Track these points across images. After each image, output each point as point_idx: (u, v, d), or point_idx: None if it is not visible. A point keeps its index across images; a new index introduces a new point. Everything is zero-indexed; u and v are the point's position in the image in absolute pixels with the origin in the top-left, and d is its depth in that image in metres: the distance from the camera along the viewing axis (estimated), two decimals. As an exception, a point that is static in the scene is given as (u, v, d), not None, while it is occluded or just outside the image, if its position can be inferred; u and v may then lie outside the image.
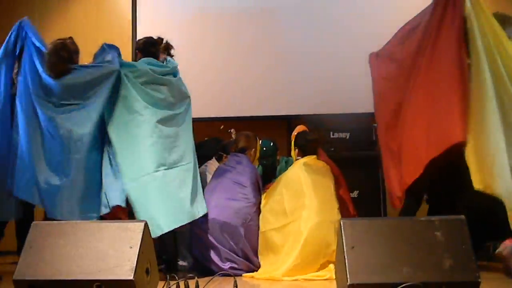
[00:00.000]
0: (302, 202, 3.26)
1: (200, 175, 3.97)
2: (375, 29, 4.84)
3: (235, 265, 3.22)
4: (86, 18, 5.52)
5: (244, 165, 3.63)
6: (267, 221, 3.35)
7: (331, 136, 4.62)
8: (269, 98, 5.13)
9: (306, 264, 3.05)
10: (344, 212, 3.48)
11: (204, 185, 3.49)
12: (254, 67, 5.19)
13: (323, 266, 3.06)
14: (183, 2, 5.43)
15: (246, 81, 5.18)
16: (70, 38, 3.44)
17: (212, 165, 4.00)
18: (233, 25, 5.30)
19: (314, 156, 3.61)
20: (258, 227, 3.37)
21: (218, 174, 3.65)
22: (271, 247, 3.26)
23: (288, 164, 4.02)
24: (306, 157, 3.59)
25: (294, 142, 3.71)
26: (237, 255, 3.26)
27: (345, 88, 4.74)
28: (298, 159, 3.65)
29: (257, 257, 3.31)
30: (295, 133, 3.82)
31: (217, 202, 3.37)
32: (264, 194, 3.60)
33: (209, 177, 3.78)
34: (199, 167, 4.09)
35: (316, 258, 3.06)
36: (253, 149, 3.76)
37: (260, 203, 3.50)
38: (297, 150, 3.66)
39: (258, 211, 3.45)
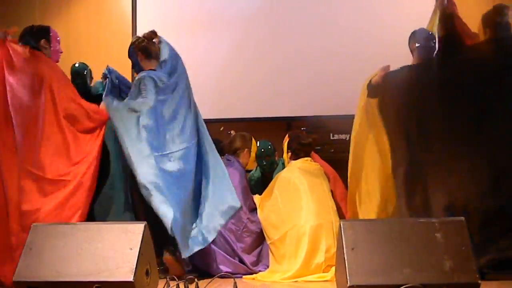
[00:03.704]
0: (299, 205, 3.26)
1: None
2: (375, 31, 4.86)
3: (232, 269, 3.21)
4: (86, 18, 5.51)
5: (234, 168, 3.61)
6: (268, 234, 3.37)
7: (331, 138, 4.62)
8: (269, 99, 5.12)
9: (308, 270, 3.06)
10: (342, 213, 3.48)
11: None
12: (254, 69, 5.18)
13: (325, 271, 3.06)
14: (183, 2, 5.42)
15: (246, 82, 5.17)
16: None
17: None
18: (234, 27, 5.29)
19: (309, 159, 3.61)
20: (252, 231, 3.37)
21: None
22: (275, 258, 3.28)
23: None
24: (300, 159, 3.58)
25: (288, 145, 3.70)
26: (233, 259, 3.26)
27: (345, 89, 4.72)
28: (290, 162, 3.64)
29: (253, 260, 3.31)
30: (287, 138, 3.80)
31: None
32: (259, 197, 3.60)
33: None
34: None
35: (318, 262, 3.07)
36: (246, 149, 3.74)
37: (251, 205, 3.51)
38: (290, 153, 3.65)
39: (252, 213, 3.46)
